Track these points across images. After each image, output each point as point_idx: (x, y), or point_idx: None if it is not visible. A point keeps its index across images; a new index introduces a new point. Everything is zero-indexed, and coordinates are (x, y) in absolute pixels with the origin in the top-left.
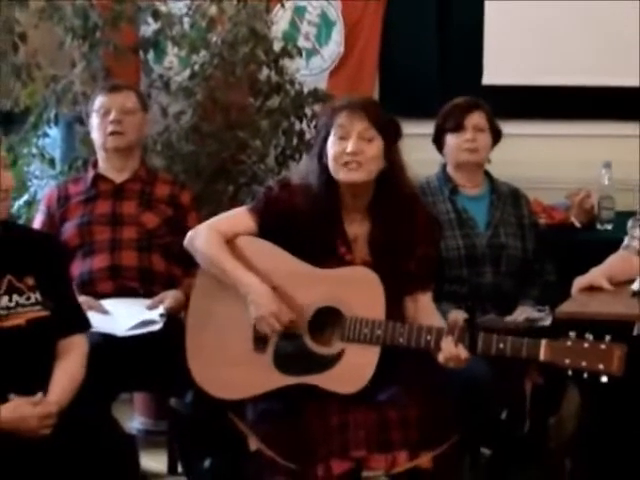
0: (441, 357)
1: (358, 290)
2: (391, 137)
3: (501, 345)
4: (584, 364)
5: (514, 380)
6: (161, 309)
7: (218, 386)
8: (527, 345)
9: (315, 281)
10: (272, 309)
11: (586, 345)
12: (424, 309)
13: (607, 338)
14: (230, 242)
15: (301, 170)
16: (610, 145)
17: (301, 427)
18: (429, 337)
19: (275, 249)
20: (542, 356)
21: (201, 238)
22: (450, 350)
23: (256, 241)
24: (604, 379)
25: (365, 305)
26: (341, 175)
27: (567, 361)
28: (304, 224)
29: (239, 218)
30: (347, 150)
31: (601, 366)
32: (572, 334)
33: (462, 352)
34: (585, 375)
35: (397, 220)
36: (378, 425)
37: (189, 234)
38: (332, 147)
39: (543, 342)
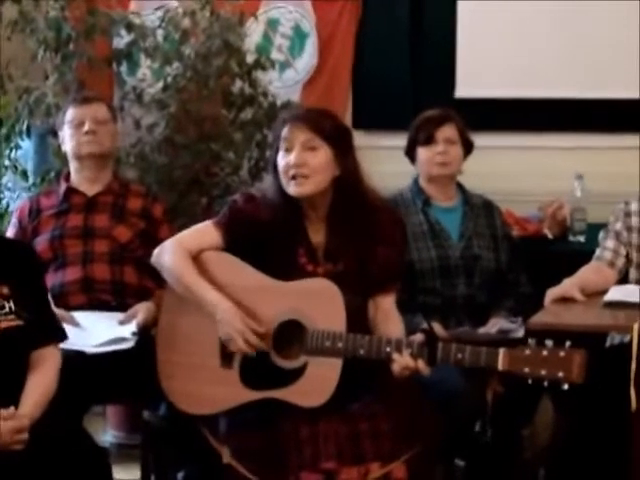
0: (395, 368)
1: (319, 302)
2: (340, 144)
3: (459, 355)
4: (543, 372)
5: (476, 389)
6: (133, 326)
7: (189, 402)
8: (486, 355)
9: (278, 294)
10: (238, 327)
11: (545, 353)
12: (384, 313)
13: (567, 344)
14: (196, 257)
15: (265, 183)
16: (582, 157)
17: (272, 439)
18: (389, 348)
19: (239, 263)
20: (500, 365)
21: (167, 254)
22: (401, 362)
23: (221, 256)
24: (565, 387)
25: (326, 317)
26: (290, 189)
27: (526, 370)
28: (269, 236)
29: (205, 233)
30: (290, 162)
31: (561, 374)
32: (531, 341)
33: (410, 363)
34: (545, 384)
35: (354, 227)
36: (349, 437)
37: (156, 250)
38: (280, 161)
39: (501, 351)
